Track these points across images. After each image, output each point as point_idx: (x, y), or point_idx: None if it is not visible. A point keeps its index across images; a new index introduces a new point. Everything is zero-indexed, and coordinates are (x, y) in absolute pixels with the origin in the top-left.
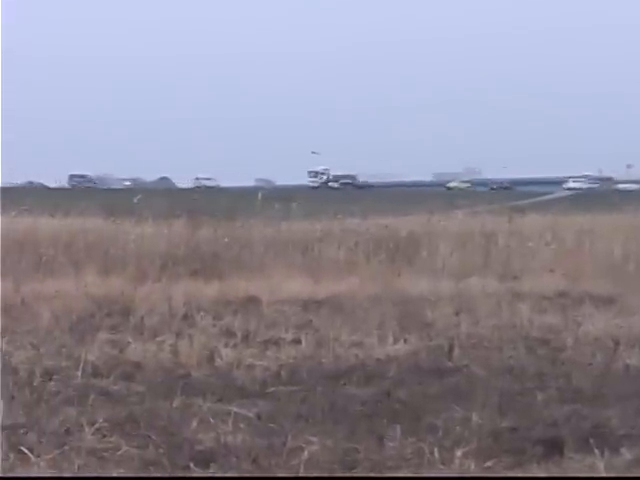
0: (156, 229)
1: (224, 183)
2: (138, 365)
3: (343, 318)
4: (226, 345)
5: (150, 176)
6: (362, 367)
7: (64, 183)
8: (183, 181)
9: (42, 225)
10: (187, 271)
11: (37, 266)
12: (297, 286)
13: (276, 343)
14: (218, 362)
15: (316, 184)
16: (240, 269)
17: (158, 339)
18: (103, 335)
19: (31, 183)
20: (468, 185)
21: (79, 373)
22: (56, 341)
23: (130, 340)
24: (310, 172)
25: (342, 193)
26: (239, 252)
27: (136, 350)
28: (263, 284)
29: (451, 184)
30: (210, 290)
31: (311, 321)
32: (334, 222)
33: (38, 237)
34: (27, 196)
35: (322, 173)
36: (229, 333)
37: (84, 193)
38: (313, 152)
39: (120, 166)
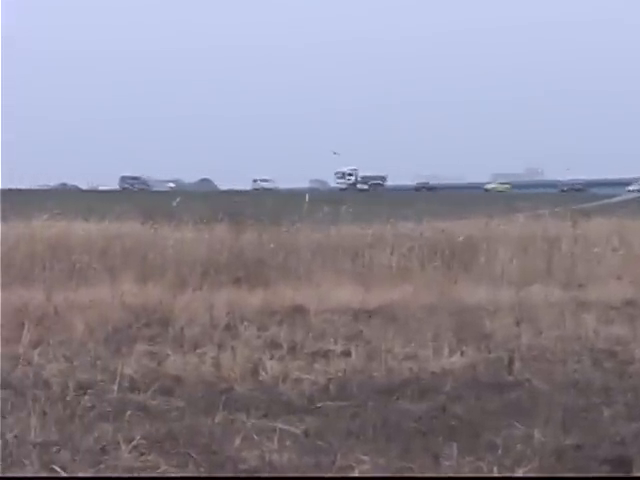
0: (197, 234)
1: (280, 185)
2: (178, 379)
3: (396, 329)
4: (271, 357)
5: (190, 177)
6: (416, 381)
7: (97, 184)
8: (238, 183)
9: (76, 230)
10: (230, 279)
11: (70, 273)
12: (347, 295)
13: (324, 355)
14: (263, 375)
15: (344, 186)
16: (286, 276)
17: (199, 351)
18: (140, 347)
19: (64, 185)
20: (508, 186)
21: (115, 387)
22: (91, 353)
23: (169, 352)
24: (337, 173)
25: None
26: (285, 258)
27: (176, 363)
28: (310, 292)
29: (489, 185)
30: (254, 299)
31: (362, 332)
32: (386, 226)
33: (71, 242)
34: (60, 199)
35: (350, 174)
36: (274, 345)
37: (120, 196)
38: (334, 153)
39: (157, 167)
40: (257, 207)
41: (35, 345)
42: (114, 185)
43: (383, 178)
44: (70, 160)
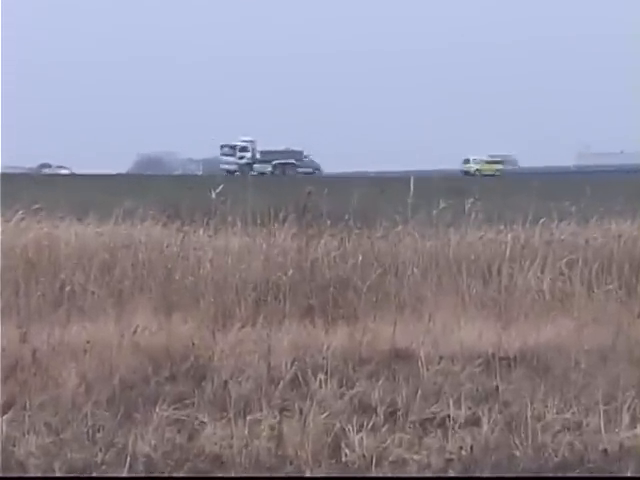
0: (248, 241)
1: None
2: (218, 459)
3: (549, 385)
4: (360, 428)
5: None
6: (580, 463)
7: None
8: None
9: (65, 235)
10: (297, 309)
11: (57, 301)
12: (474, 333)
13: (441, 425)
14: (347, 455)
15: (232, 167)
16: (382, 305)
17: (250, 418)
18: (163, 411)
19: (46, 167)
20: (499, 167)
21: (124, 471)
22: (87, 421)
23: (205, 420)
24: (223, 147)
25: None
26: (380, 278)
27: (215, 436)
28: (419, 329)
29: (470, 166)
30: (334, 339)
31: (497, 389)
32: (534, 229)
33: (59, 254)
34: (41, 188)
35: (244, 148)
36: (365, 409)
37: (132, 184)
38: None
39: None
40: (338, 199)
41: (4, 409)
42: (112, 167)
43: (299, 155)
44: (58, 135)
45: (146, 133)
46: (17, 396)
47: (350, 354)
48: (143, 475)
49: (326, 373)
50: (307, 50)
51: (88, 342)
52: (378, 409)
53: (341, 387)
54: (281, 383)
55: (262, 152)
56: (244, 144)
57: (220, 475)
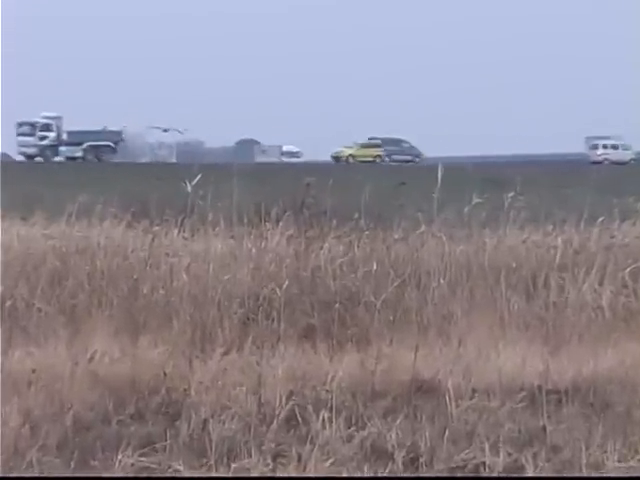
0: (233, 245)
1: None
2: None
3: (608, 425)
4: (374, 477)
5: (220, 138)
6: None
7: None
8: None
9: (5, 238)
10: (295, 329)
11: None
12: (515, 360)
13: (473, 473)
14: None
15: (32, 150)
16: (400, 326)
17: (236, 466)
18: (127, 458)
19: None
20: (378, 151)
21: None
22: (33, 469)
23: (179, 467)
24: (21, 125)
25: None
26: (398, 291)
27: None
28: (447, 356)
29: (341, 150)
30: (341, 367)
31: (544, 430)
32: (591, 231)
33: None
34: None
35: (46, 127)
36: (379, 454)
37: (89, 174)
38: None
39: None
40: (346, 193)
41: None
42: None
43: (118, 136)
44: None
45: (106, 109)
46: None
47: (361, 386)
48: (142, 475)
49: (330, 410)
50: None
51: (34, 371)
52: (395, 455)
53: (349, 427)
54: (274, 422)
55: (70, 132)
56: (46, 121)
57: (220, 475)
